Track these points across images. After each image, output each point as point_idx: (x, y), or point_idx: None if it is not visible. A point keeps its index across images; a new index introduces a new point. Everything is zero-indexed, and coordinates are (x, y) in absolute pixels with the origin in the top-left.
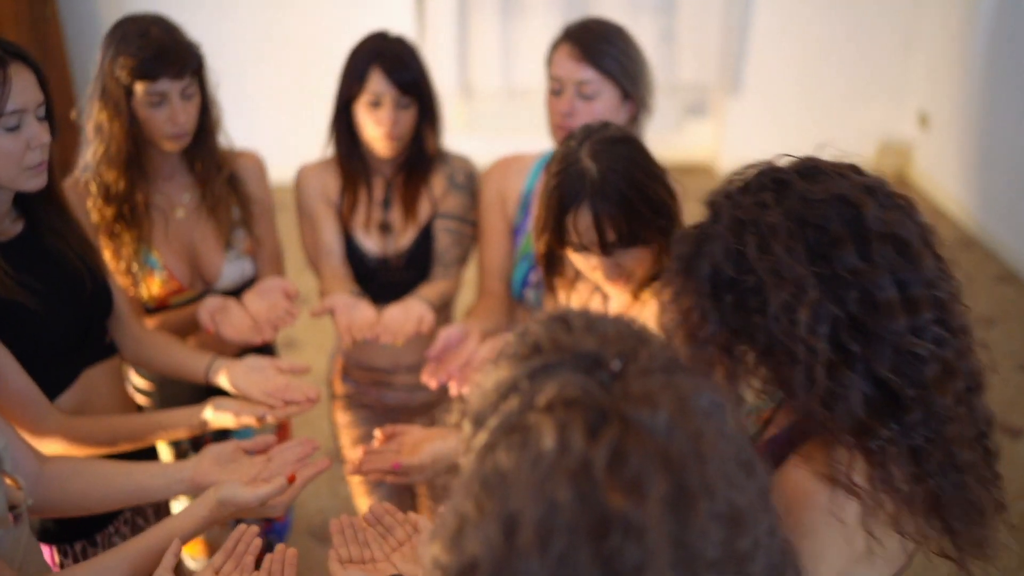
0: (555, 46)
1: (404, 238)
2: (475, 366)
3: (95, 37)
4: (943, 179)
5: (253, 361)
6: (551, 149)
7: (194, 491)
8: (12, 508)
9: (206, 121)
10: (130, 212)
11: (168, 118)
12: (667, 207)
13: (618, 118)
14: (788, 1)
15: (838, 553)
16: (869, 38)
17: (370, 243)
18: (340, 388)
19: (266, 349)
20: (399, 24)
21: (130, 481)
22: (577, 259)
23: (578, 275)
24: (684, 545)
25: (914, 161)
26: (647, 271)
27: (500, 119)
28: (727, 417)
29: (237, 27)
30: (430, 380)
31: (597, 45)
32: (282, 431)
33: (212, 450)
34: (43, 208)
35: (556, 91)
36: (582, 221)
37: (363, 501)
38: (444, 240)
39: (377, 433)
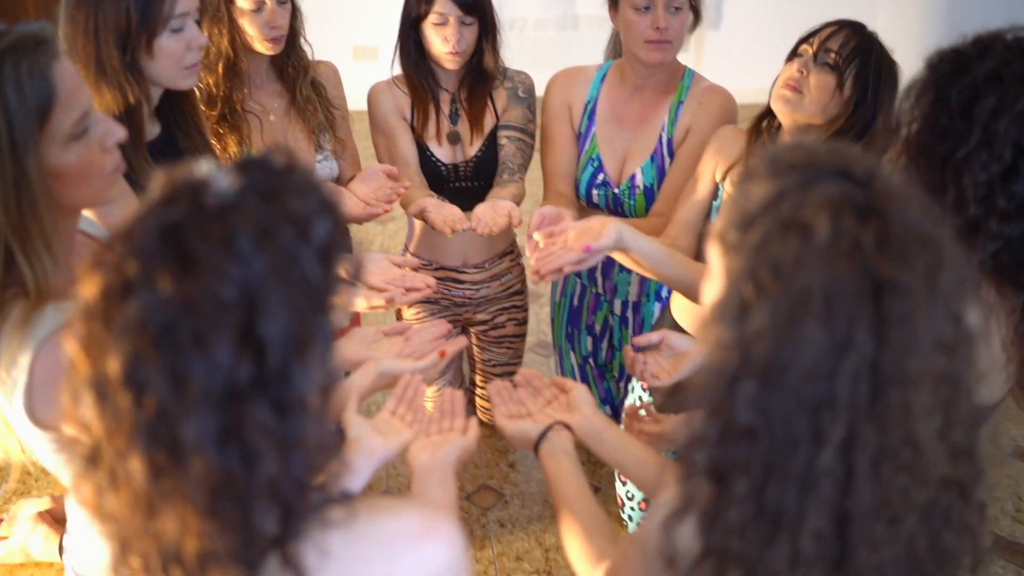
0: None
1: (472, 147)
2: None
3: None
4: None
5: (370, 255)
6: (608, 62)
7: (346, 367)
8: None
9: (295, 26)
10: (230, 115)
11: (267, 22)
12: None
13: (687, 26)
14: None
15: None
16: None
17: (441, 153)
18: None
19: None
20: None
21: None
22: (785, 70)
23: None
24: (935, 302)
25: None
26: (816, 110)
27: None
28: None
29: None
30: (534, 251)
31: None
32: (355, 321)
33: (357, 332)
34: (179, 112)
35: (644, 7)
36: (829, 29)
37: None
38: (508, 148)
39: (538, 236)
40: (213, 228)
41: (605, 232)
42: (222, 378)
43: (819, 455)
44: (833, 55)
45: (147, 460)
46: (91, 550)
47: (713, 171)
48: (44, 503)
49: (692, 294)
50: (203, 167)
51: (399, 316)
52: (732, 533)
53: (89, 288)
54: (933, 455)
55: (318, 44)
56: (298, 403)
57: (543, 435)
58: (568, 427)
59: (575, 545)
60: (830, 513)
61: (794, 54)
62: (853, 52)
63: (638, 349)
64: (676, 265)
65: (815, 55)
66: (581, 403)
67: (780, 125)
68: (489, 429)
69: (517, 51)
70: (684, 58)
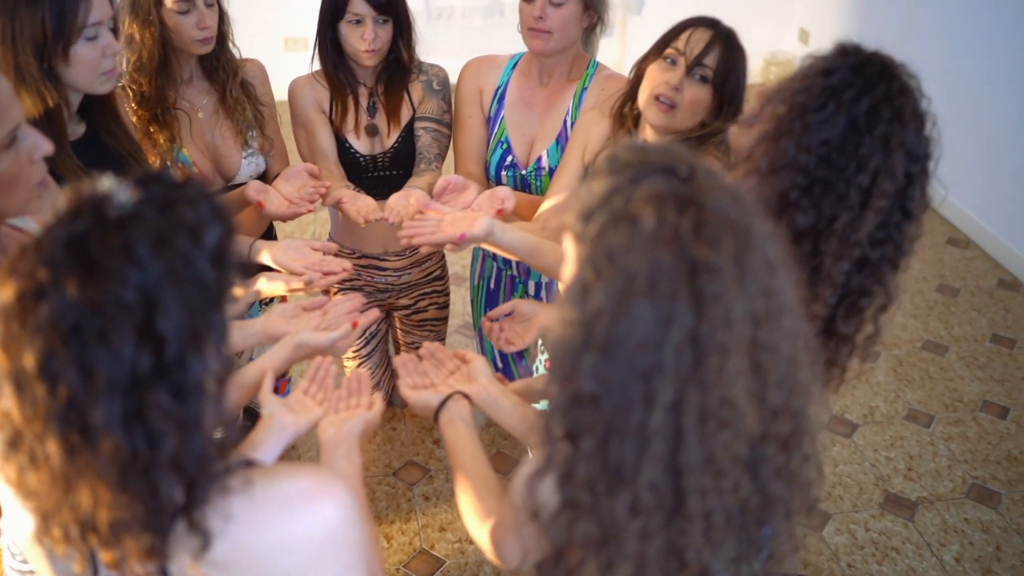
0: None
1: (389, 139)
2: (473, 207)
3: None
4: None
5: (289, 241)
6: (521, 52)
7: (266, 341)
8: None
9: (223, 29)
10: (162, 114)
11: (196, 23)
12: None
13: (579, 25)
14: None
15: None
16: None
17: (360, 144)
18: None
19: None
20: None
21: None
22: (653, 70)
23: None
24: (743, 279)
25: None
26: (688, 121)
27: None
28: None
29: None
30: (430, 212)
31: None
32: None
33: (277, 308)
34: (100, 112)
35: None
36: (698, 35)
37: (348, 363)
38: (425, 139)
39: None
40: (114, 238)
41: (477, 224)
42: (125, 369)
43: (651, 416)
44: (709, 71)
45: (62, 442)
46: (20, 526)
47: (581, 153)
48: None
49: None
50: (105, 182)
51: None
52: (582, 487)
53: (5, 292)
54: (749, 414)
55: (250, 36)
56: (195, 388)
57: (443, 404)
58: (467, 396)
59: (467, 504)
60: (663, 467)
61: (660, 54)
62: (727, 66)
63: (494, 320)
64: (545, 255)
65: (689, 68)
66: (479, 373)
67: (640, 113)
68: None
69: (445, 39)
70: (608, 43)
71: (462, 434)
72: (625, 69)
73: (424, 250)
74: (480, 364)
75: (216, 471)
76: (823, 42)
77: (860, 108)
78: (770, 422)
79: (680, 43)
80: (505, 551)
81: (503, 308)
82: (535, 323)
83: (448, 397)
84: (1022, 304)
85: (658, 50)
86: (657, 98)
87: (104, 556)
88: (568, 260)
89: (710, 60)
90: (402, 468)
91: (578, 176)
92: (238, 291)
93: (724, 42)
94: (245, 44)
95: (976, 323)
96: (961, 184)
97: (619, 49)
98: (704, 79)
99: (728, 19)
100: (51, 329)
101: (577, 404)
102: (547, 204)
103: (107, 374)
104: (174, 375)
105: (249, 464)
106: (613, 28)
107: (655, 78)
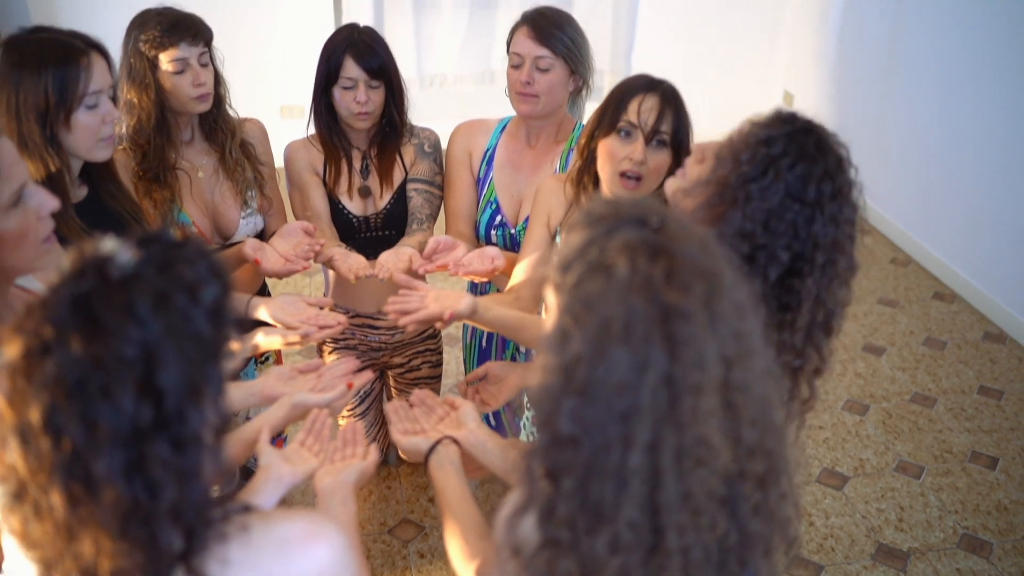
0: (516, 28)
1: (382, 200)
2: (463, 264)
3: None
4: None
5: (285, 296)
6: (509, 116)
7: (263, 402)
8: None
9: (219, 91)
10: (164, 174)
11: (192, 82)
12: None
13: (565, 89)
14: None
15: None
16: (739, 27)
17: (353, 206)
18: None
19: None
20: (318, 18)
21: None
22: (611, 146)
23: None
24: (714, 323)
25: None
26: (654, 186)
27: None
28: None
29: None
30: (425, 266)
31: (551, 29)
32: (277, 360)
33: (274, 370)
34: (101, 176)
35: (516, 65)
36: (648, 103)
37: (342, 421)
38: (416, 200)
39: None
40: (116, 297)
41: (462, 302)
42: (126, 422)
43: (629, 456)
44: (667, 135)
45: (65, 493)
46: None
47: (546, 221)
48: None
49: None
50: (107, 243)
51: (320, 355)
52: (562, 525)
53: (13, 349)
54: (724, 452)
55: (248, 104)
56: (193, 440)
57: (432, 448)
58: (456, 440)
59: (454, 545)
60: (642, 505)
61: (613, 128)
62: (680, 125)
63: (470, 383)
64: (527, 329)
65: (648, 139)
66: (467, 418)
67: (598, 178)
68: (411, 466)
69: (437, 104)
70: (596, 107)
71: (451, 477)
72: None
73: (411, 328)
74: (468, 409)
75: (214, 518)
76: (807, 103)
77: (798, 178)
78: (745, 460)
79: (631, 115)
80: None
81: (477, 373)
82: (508, 383)
83: (438, 442)
84: (1008, 356)
85: (609, 124)
86: (623, 175)
87: None
88: (551, 311)
89: (666, 126)
90: (397, 526)
91: (544, 244)
92: (235, 346)
93: (672, 103)
94: (243, 111)
95: (963, 375)
96: (945, 238)
97: None
98: (663, 143)
99: (713, 81)
100: (56, 384)
101: (557, 445)
102: (518, 273)
103: (109, 427)
104: (173, 427)
105: (246, 509)
106: (602, 92)
107: (615, 154)
